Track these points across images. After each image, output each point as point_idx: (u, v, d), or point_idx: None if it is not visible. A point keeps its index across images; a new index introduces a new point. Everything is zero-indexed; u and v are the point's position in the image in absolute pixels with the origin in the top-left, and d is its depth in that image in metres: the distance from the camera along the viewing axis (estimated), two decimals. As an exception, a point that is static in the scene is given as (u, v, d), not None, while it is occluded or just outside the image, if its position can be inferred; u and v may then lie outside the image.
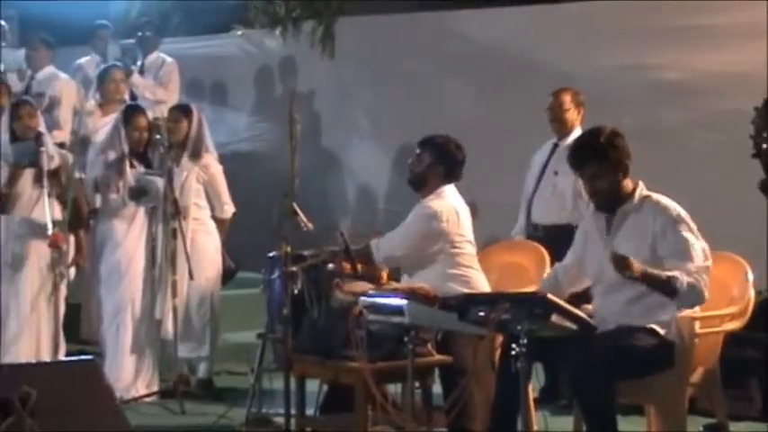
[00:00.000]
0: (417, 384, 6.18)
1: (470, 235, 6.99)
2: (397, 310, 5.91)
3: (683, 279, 5.69)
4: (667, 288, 5.72)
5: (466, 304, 5.81)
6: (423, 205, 6.93)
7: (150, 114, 9.05)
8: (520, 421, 5.76)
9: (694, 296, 5.76)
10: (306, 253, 7.08)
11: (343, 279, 6.65)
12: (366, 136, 11.21)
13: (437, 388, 6.62)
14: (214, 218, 8.64)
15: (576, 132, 7.96)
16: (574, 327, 5.58)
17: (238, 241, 8.83)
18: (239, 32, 11.95)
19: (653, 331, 5.85)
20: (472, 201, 7.18)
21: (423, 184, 6.97)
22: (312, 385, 6.77)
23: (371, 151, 11.10)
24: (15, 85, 9.63)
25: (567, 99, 8.28)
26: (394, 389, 6.55)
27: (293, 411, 6.63)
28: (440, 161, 6.94)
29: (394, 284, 6.75)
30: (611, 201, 6.00)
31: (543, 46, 9.93)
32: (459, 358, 6.45)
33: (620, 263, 5.65)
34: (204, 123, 8.69)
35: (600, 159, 5.93)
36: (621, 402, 6.00)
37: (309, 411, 6.74)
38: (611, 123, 6.10)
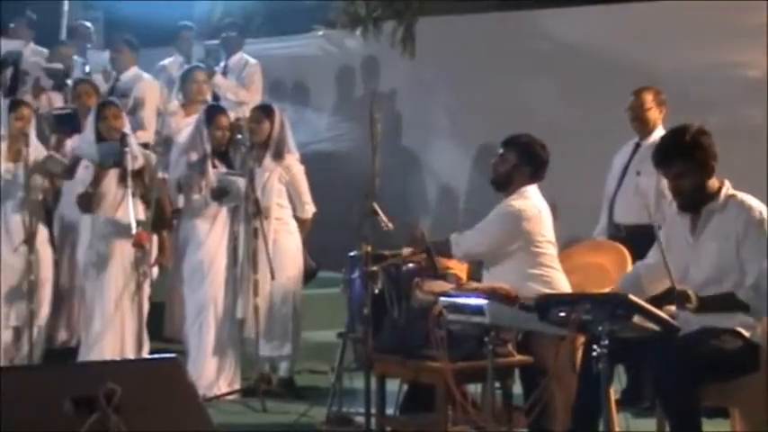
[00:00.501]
0: (498, 384, 6.16)
1: (551, 235, 6.95)
2: (478, 310, 5.89)
3: (746, 288, 5.64)
4: (735, 304, 5.66)
5: (546, 304, 5.76)
6: (505, 203, 6.89)
7: (232, 115, 9.12)
8: (601, 423, 5.72)
9: (760, 302, 5.68)
10: (386, 252, 7.09)
11: (423, 279, 6.64)
12: (447, 136, 11.18)
13: (517, 388, 6.59)
14: (295, 217, 8.68)
15: (659, 132, 7.89)
16: (656, 328, 5.52)
17: (319, 241, 8.86)
18: (321, 33, 11.98)
19: (738, 333, 5.76)
20: (553, 201, 7.12)
21: (507, 183, 6.92)
22: (392, 385, 6.77)
23: (452, 151, 11.08)
24: (101, 86, 9.73)
25: (648, 98, 8.21)
26: (474, 389, 6.53)
27: (373, 410, 6.64)
28: (525, 161, 6.89)
29: (474, 284, 6.73)
30: (695, 200, 5.92)
31: (627, 45, 9.84)
32: (540, 359, 6.41)
33: (681, 298, 5.61)
34: (286, 124, 8.73)
35: (685, 158, 5.86)
36: (705, 405, 5.92)
37: (389, 411, 6.74)
38: (697, 122, 6.02)
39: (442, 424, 6.19)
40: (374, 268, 6.84)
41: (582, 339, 5.96)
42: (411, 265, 6.93)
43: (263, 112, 8.72)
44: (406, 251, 7.06)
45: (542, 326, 5.85)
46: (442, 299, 6.13)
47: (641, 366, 6.52)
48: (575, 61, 10.18)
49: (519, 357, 6.36)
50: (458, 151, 11.00)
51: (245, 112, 9.55)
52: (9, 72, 10.20)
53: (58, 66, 10.15)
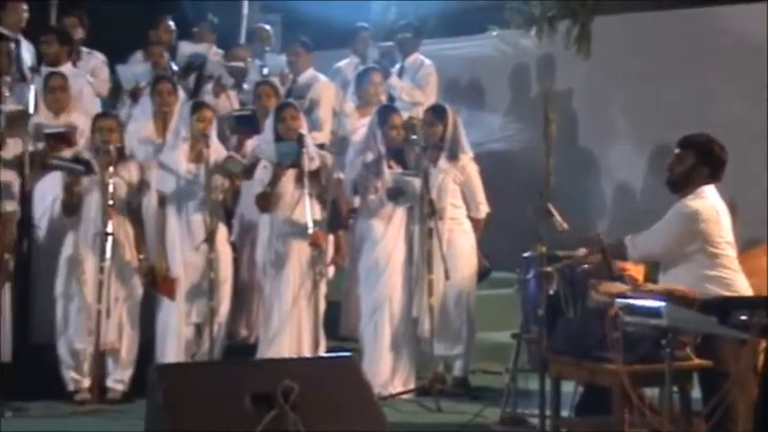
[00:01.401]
0: (675, 388, 6.04)
1: (730, 236, 6.77)
2: (655, 312, 5.78)
3: None
4: None
5: (726, 307, 5.64)
6: (682, 204, 6.74)
7: (406, 115, 9.14)
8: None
9: None
10: (561, 253, 7.02)
11: (598, 280, 6.56)
12: (622, 136, 11.01)
13: (696, 392, 6.45)
14: (469, 217, 8.66)
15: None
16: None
17: (492, 241, 8.82)
18: (495, 33, 11.93)
19: None
20: (732, 201, 6.95)
21: (684, 184, 6.76)
22: (567, 386, 6.71)
23: (628, 151, 10.91)
24: (278, 88, 9.85)
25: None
26: (651, 392, 6.42)
27: (548, 412, 6.58)
28: (704, 162, 6.72)
29: (650, 286, 6.61)
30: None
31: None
32: (720, 362, 6.25)
33: None
34: (459, 124, 8.72)
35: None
36: None
37: (564, 412, 6.68)
38: None
39: (618, 427, 6.10)
40: (549, 269, 6.78)
41: (764, 344, 5.80)
42: (586, 266, 6.85)
43: (436, 113, 8.72)
44: (581, 252, 6.97)
45: (722, 329, 5.72)
46: (618, 300, 6.04)
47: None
48: (757, 59, 9.91)
49: (698, 361, 6.21)
50: (634, 151, 10.82)
51: (421, 112, 9.56)
52: (193, 76, 10.41)
53: (240, 64, 10.31)
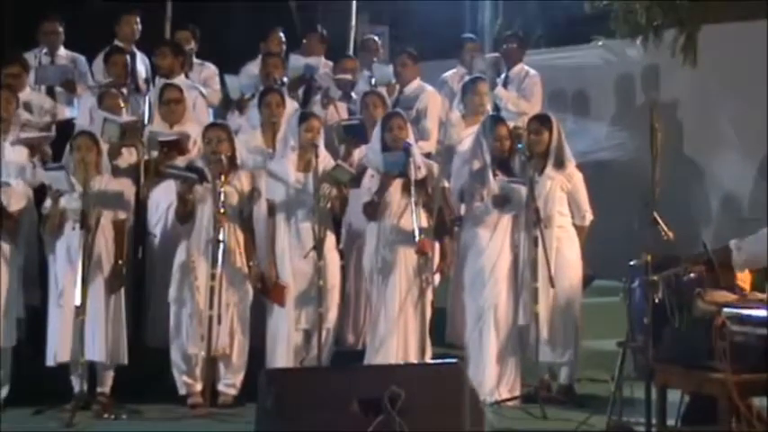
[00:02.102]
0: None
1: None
2: (763, 322, 5.70)
3: None
4: None
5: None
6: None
7: (512, 125, 9.11)
8: None
9: None
10: (667, 262, 6.94)
11: (705, 289, 6.47)
12: (729, 146, 10.85)
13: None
14: (573, 225, 8.60)
15: None
16: None
17: (596, 249, 8.75)
18: (600, 43, 11.84)
19: None
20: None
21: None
22: (674, 395, 6.62)
23: (735, 161, 10.74)
24: (386, 98, 9.88)
25: None
26: (759, 401, 6.31)
27: (654, 421, 6.50)
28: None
29: (759, 295, 6.50)
30: None
31: None
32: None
33: None
34: (563, 133, 8.67)
35: None
36: None
37: (670, 421, 6.59)
38: None
39: (725, 437, 6.02)
40: (655, 277, 6.71)
41: None
42: (692, 274, 6.76)
43: (541, 122, 8.67)
44: (688, 260, 6.89)
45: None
46: (726, 309, 5.97)
47: None
48: None
49: (807, 370, 6.10)
50: (741, 161, 10.65)
51: (525, 121, 9.52)
52: (303, 87, 10.49)
53: (347, 77, 10.37)
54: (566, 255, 8.46)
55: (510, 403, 8.26)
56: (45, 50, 10.45)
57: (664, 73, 11.35)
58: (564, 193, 8.54)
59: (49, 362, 8.14)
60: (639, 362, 7.11)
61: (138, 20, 10.74)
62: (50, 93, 10.18)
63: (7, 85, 9.42)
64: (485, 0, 10.89)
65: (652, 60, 11.43)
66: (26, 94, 9.72)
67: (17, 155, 8.96)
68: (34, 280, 8.87)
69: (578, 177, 8.62)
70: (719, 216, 10.93)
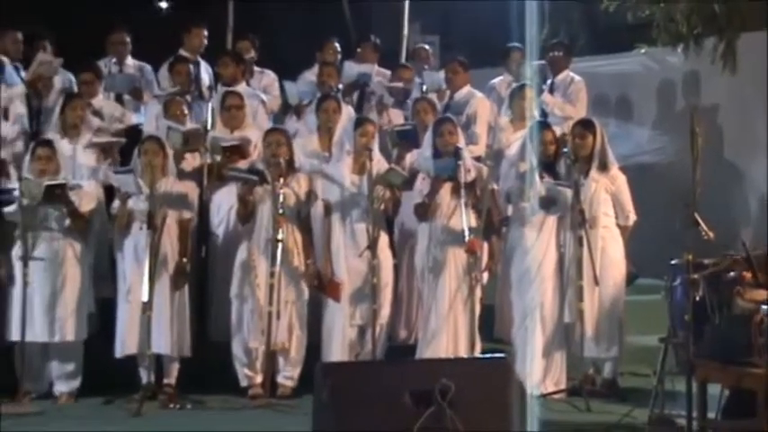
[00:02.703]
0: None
1: None
2: (801, 319, 5.64)
3: None
4: None
5: None
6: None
7: (558, 130, 9.08)
8: None
9: None
10: (707, 261, 6.90)
11: (744, 287, 6.42)
12: (768, 149, 10.76)
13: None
14: (617, 225, 8.56)
15: None
16: None
17: (638, 248, 8.70)
18: (642, 51, 11.76)
19: None
20: None
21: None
22: (714, 389, 6.57)
23: (774, 164, 10.65)
24: (437, 104, 9.88)
25: None
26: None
27: (695, 414, 6.45)
28: None
29: (796, 293, 6.44)
30: None
31: None
32: None
33: None
34: (605, 137, 8.63)
35: None
36: None
37: (711, 414, 6.54)
38: None
39: (763, 429, 5.95)
40: (696, 276, 6.66)
41: None
42: (732, 273, 6.71)
43: (586, 126, 8.64)
44: (727, 260, 6.84)
45: None
46: (764, 307, 5.91)
47: None
48: None
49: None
50: (780, 164, 10.56)
51: (571, 126, 9.47)
52: (357, 92, 10.51)
53: (399, 85, 10.38)
54: (610, 254, 8.42)
55: (556, 396, 8.23)
56: (114, 60, 10.53)
57: (703, 79, 11.25)
58: (608, 195, 8.50)
59: (118, 354, 8.23)
60: (681, 357, 7.07)
61: (206, 33, 10.81)
62: (119, 100, 10.26)
63: (80, 93, 9.53)
64: (531, 10, 10.83)
65: (692, 67, 11.34)
66: (98, 101, 9.81)
67: (89, 158, 9.09)
68: (105, 276, 8.96)
69: (621, 179, 8.58)
70: (758, 217, 10.82)
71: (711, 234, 7.05)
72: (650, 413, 7.20)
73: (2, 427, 7.48)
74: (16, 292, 8.13)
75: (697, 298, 6.67)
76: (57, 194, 8.15)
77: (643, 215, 8.65)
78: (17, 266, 8.12)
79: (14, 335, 8.13)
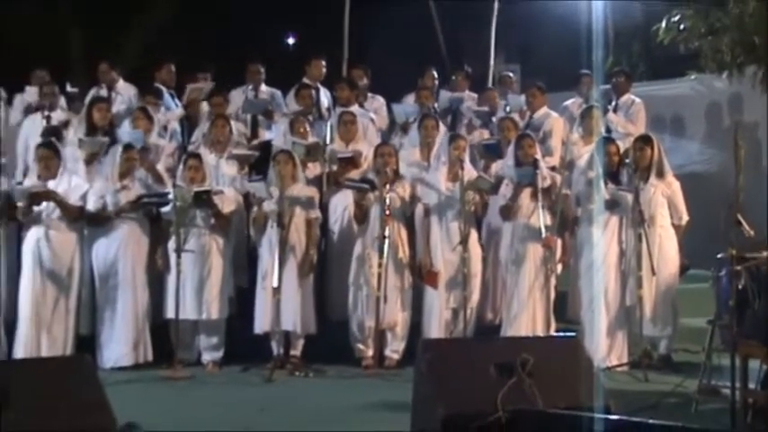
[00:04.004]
0: None
1: None
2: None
3: None
4: None
5: None
6: None
7: (621, 144, 9.01)
8: None
9: None
10: (748, 255, 6.82)
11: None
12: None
13: None
14: (672, 224, 8.47)
15: None
16: None
17: (690, 244, 8.60)
18: (693, 77, 11.62)
19: None
20: None
21: None
22: (754, 364, 6.49)
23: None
24: (518, 122, 9.87)
25: None
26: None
27: (738, 384, 6.37)
28: None
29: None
30: None
31: None
32: None
33: None
34: (662, 149, 8.56)
35: None
36: None
37: (751, 385, 6.46)
38: None
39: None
40: (738, 268, 6.59)
41: None
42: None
43: (645, 141, 8.57)
44: (766, 254, 6.75)
45: None
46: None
47: None
48: None
49: None
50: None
51: (632, 141, 9.38)
52: (450, 114, 10.54)
53: (485, 109, 10.39)
54: (666, 248, 8.34)
55: (618, 369, 8.17)
56: (251, 87, 10.67)
57: (745, 100, 11.07)
58: (664, 198, 8.42)
59: (256, 330, 8.34)
60: (725, 336, 6.98)
61: (324, 63, 10.91)
62: (254, 120, 10.41)
63: (221, 113, 9.68)
64: (598, 42, 10.76)
65: (735, 90, 11.16)
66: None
67: (230, 169, 9.22)
68: (243, 267, 9.09)
69: (676, 185, 8.50)
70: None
71: (752, 232, 6.98)
72: (699, 384, 7.12)
73: (160, 388, 7.66)
74: (171, 278, 8.26)
75: (740, 286, 6.60)
76: (203, 199, 8.30)
77: (694, 216, 8.56)
78: (172, 257, 8.25)
79: (170, 313, 8.27)
